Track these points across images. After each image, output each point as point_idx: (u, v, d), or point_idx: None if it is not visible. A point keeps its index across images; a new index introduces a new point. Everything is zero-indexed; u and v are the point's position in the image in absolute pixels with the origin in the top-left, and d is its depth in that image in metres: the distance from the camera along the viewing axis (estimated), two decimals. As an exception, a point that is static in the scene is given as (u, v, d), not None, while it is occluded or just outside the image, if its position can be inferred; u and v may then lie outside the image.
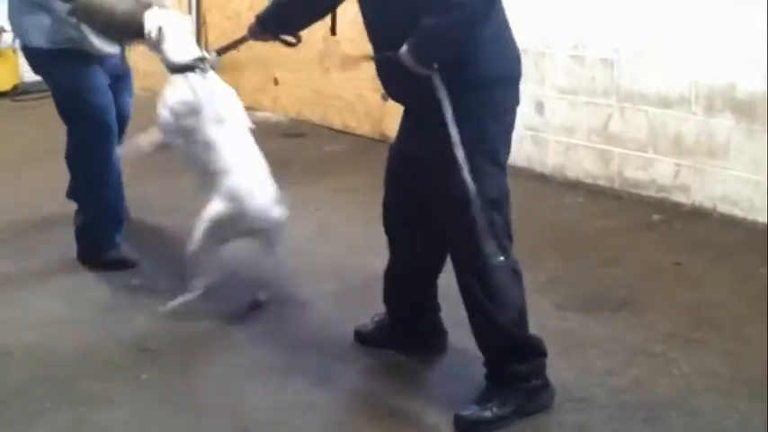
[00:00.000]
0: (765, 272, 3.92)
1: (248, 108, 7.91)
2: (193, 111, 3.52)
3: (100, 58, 4.03)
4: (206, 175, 3.54)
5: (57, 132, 6.59)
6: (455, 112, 2.65)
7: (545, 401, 2.90)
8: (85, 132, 4.09)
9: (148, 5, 3.67)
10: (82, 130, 4.10)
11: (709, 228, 4.54)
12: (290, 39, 3.33)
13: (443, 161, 2.72)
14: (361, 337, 3.37)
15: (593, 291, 3.84)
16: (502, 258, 2.71)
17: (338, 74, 6.58)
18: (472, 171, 2.67)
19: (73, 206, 4.29)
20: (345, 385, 3.15)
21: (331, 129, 6.65)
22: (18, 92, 7.96)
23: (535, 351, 2.89)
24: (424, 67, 2.61)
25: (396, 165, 3.07)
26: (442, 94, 2.62)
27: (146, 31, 3.57)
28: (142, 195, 4.75)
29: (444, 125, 2.64)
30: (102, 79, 4.06)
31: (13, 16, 4.06)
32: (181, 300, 3.58)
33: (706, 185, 4.71)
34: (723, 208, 4.64)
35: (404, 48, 2.62)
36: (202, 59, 3.56)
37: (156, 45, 3.58)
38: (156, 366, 3.26)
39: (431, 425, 2.89)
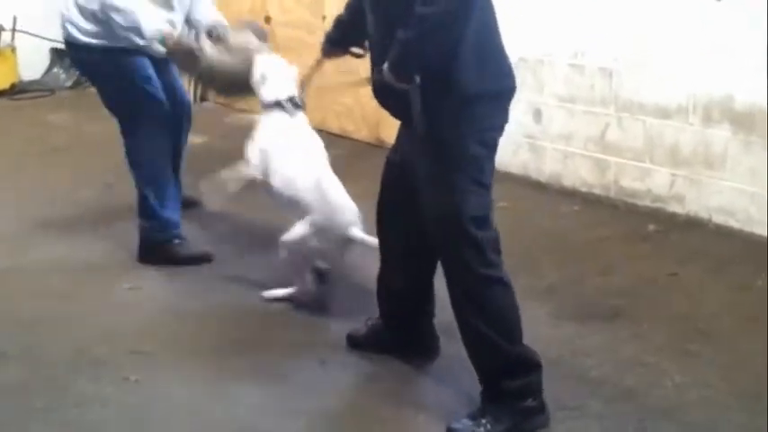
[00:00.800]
0: (760, 284, 3.92)
1: (245, 110, 7.94)
2: (279, 151, 3.74)
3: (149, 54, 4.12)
4: (293, 205, 3.70)
5: (53, 132, 6.65)
6: (438, 129, 2.68)
7: (539, 424, 2.87)
8: (142, 123, 4.12)
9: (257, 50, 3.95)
10: (139, 122, 4.13)
11: (704, 239, 4.54)
12: (359, 51, 3.35)
13: (434, 177, 2.74)
14: (354, 341, 3.36)
15: (588, 300, 3.83)
16: None
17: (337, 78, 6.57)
18: (454, 190, 2.70)
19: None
20: (337, 391, 3.15)
21: (329, 133, 6.63)
22: (16, 91, 7.95)
23: (528, 365, 2.85)
24: (403, 82, 2.64)
25: (391, 171, 3.08)
26: (416, 108, 2.65)
27: (253, 77, 3.85)
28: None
29: (436, 141, 2.67)
30: (152, 69, 4.14)
31: (71, 12, 4.05)
32: (282, 292, 3.74)
33: (702, 196, 4.70)
34: (719, 219, 4.64)
35: (385, 65, 2.66)
36: (292, 99, 3.80)
37: (258, 89, 3.87)
38: (148, 368, 3.25)
39: (422, 434, 2.89)
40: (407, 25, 2.56)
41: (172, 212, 4.22)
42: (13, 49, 8.00)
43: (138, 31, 3.88)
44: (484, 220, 2.76)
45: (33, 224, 4.66)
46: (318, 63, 3.58)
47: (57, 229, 4.57)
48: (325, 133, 6.69)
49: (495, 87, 2.78)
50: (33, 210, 4.87)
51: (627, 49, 4.91)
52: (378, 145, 6.05)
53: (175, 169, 4.75)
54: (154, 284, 3.98)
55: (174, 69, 4.40)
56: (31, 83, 8.14)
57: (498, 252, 2.81)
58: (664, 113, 4.80)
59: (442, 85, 2.66)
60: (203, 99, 8.00)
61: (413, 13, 2.55)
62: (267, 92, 3.83)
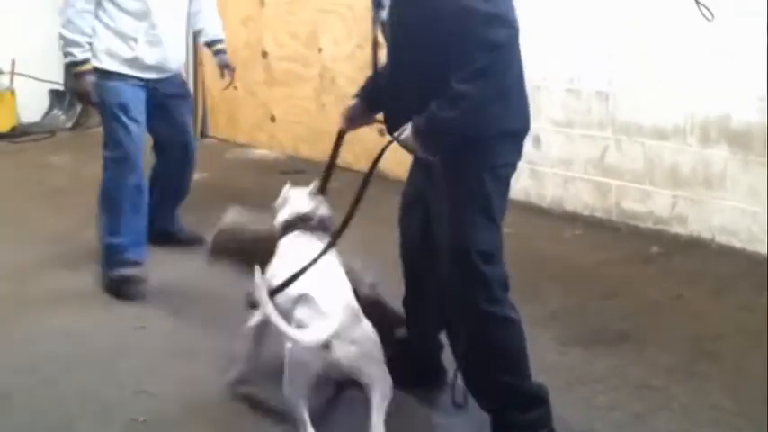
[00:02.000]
0: (765, 302, 3.91)
1: (245, 145, 7.96)
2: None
3: (151, 81, 4.28)
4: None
5: (55, 174, 6.66)
6: (452, 163, 2.64)
7: None
8: (108, 150, 4.28)
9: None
10: (107, 148, 4.29)
11: (707, 259, 4.54)
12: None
13: (445, 210, 2.72)
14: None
15: (594, 324, 3.82)
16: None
17: (334, 110, 6.61)
18: (465, 223, 2.68)
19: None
20: (347, 423, 3.11)
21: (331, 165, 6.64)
22: (16, 133, 7.99)
23: (536, 400, 2.81)
24: (428, 154, 2.61)
25: (410, 199, 3.08)
26: (441, 184, 2.64)
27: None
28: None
29: (449, 175, 2.65)
30: (136, 99, 4.25)
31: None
32: None
33: (703, 216, 4.71)
34: (721, 239, 4.64)
35: (408, 131, 2.61)
36: (305, 217, 3.23)
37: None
38: (156, 408, 3.24)
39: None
40: (444, 95, 2.52)
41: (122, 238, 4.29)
42: (13, 92, 8.06)
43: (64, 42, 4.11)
44: (492, 256, 2.74)
45: (37, 265, 4.66)
46: (339, 138, 3.32)
47: (60, 269, 4.57)
48: (324, 165, 6.77)
49: (514, 127, 2.77)
50: (37, 250, 4.87)
51: (622, 72, 4.93)
52: (378, 175, 6.06)
53: (171, 205, 4.78)
54: (160, 323, 3.97)
55: (188, 111, 4.61)
56: (32, 125, 8.19)
57: (506, 289, 2.78)
58: (662, 135, 4.82)
59: None
60: (203, 135, 8.05)
61: (434, 64, 2.53)
62: (278, 218, 3.30)
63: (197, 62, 7.92)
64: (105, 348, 3.75)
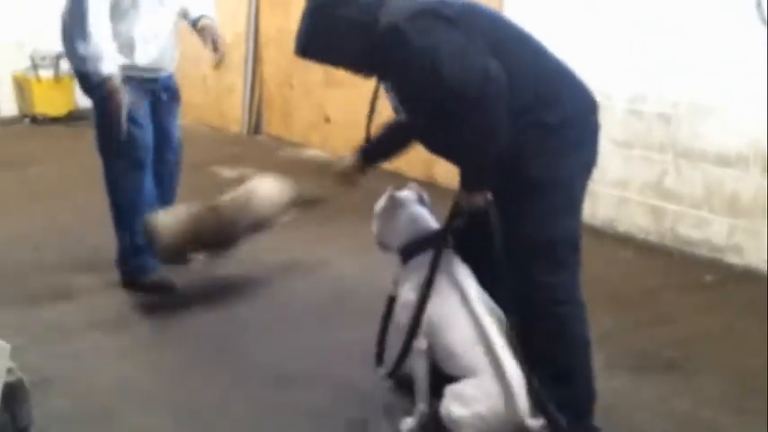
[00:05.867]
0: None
1: (298, 145, 7.96)
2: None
3: (148, 82, 4.13)
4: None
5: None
6: (533, 155, 2.69)
7: None
8: (116, 163, 4.16)
9: None
10: (113, 160, 4.17)
11: (762, 291, 4.42)
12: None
13: (511, 201, 2.74)
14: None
15: (642, 350, 3.75)
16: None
17: (389, 116, 6.58)
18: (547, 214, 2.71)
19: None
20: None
21: (380, 170, 6.61)
22: (73, 117, 8.08)
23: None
24: (479, 198, 2.76)
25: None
26: (496, 224, 2.73)
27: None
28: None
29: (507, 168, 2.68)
30: (142, 113, 4.12)
31: (66, 42, 4.11)
32: None
33: (761, 247, 4.60)
34: (778, 272, 4.54)
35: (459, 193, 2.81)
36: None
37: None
38: (197, 400, 3.23)
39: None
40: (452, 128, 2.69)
41: (139, 249, 4.23)
42: (71, 77, 8.13)
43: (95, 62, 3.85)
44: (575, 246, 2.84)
45: (88, 249, 4.70)
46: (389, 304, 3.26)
47: (108, 255, 4.58)
48: (377, 171, 6.74)
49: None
50: (89, 234, 4.90)
51: (687, 94, 4.84)
52: (429, 182, 6.02)
53: None
54: (203, 318, 3.97)
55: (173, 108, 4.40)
56: (88, 110, 8.22)
57: (567, 302, 2.77)
58: (723, 161, 4.72)
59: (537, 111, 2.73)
60: (257, 131, 8.07)
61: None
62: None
63: (256, 58, 7.95)
64: (149, 339, 3.76)
